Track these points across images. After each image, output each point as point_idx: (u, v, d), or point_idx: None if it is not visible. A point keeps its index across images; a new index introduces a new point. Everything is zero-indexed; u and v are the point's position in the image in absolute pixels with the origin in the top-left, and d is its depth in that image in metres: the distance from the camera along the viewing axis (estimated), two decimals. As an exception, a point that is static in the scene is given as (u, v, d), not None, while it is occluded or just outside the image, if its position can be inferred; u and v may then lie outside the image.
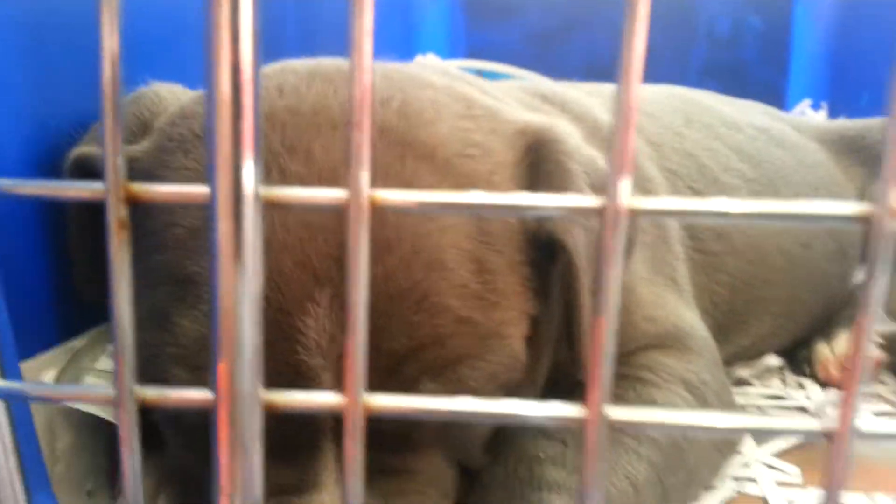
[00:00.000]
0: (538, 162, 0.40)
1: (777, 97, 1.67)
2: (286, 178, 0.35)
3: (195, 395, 0.22)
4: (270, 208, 0.22)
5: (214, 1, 0.19)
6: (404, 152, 0.37)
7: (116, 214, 0.21)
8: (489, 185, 0.38)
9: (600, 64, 1.60)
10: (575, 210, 0.20)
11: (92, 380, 0.44)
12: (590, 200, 0.19)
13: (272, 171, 0.35)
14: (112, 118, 0.20)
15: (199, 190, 0.21)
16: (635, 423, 0.20)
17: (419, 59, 1.60)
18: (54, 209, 0.45)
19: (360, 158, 0.20)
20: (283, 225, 0.34)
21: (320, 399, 0.22)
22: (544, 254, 0.39)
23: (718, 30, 1.64)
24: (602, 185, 0.43)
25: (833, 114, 1.42)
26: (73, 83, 0.46)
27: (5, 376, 0.25)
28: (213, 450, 0.21)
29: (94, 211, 0.43)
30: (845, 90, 1.54)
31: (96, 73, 0.20)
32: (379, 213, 0.35)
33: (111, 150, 0.21)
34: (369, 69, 0.19)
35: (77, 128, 0.46)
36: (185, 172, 0.38)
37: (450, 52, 1.69)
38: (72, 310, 0.45)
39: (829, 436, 0.19)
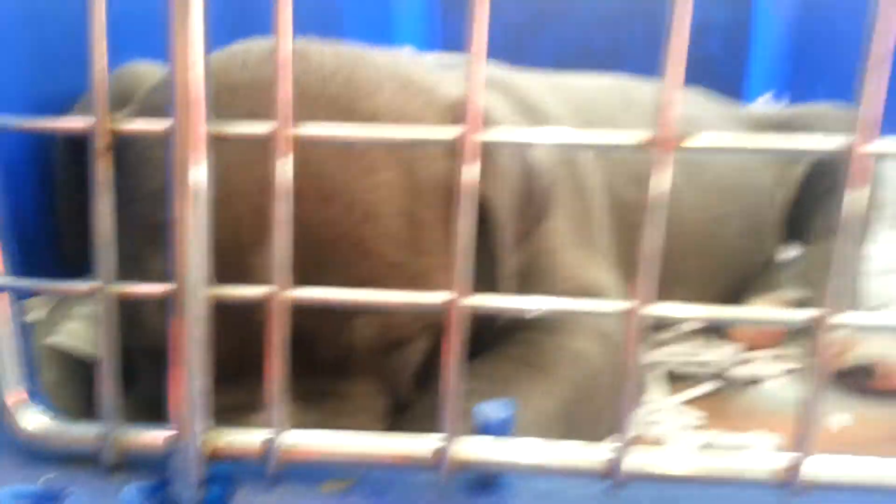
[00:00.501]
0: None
1: (739, 90, 1.75)
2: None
3: (157, 288, 0.28)
4: (220, 146, 0.28)
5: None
6: (347, 119, 0.42)
7: (103, 140, 0.27)
8: (421, 154, 0.43)
9: (571, 55, 1.67)
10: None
11: (72, 322, 0.50)
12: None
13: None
14: (100, 61, 0.27)
15: (163, 125, 0.27)
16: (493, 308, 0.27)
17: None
18: (47, 176, 0.50)
19: (285, 100, 0.26)
20: (241, 180, 0.39)
21: (255, 291, 0.28)
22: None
23: (684, 24, 1.70)
24: (521, 154, 0.49)
25: (793, 103, 1.49)
26: (67, 57, 0.52)
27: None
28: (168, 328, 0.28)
29: (81, 169, 0.49)
30: (804, 82, 1.61)
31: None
32: (319, 166, 0.41)
33: (99, 88, 0.27)
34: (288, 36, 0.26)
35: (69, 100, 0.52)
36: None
37: (426, 44, 1.74)
38: (57, 263, 0.51)
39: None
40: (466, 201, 0.25)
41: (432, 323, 0.44)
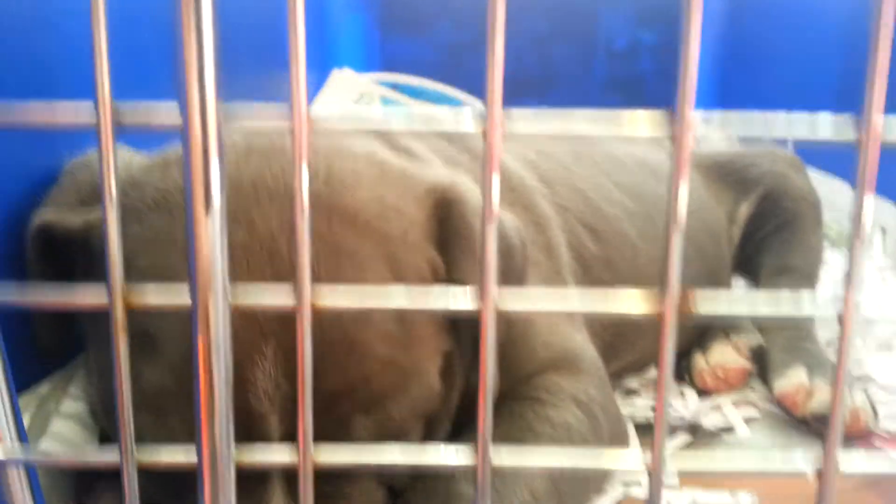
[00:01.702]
0: (446, 218, 0.47)
1: (672, 108, 1.80)
2: (231, 247, 0.41)
3: (182, 458, 0.28)
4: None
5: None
6: (331, 217, 0.43)
7: (118, 320, 0.27)
8: (404, 243, 0.45)
9: (511, 76, 1.68)
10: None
11: (59, 423, 0.48)
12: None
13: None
14: (112, 221, 0.26)
15: (183, 301, 0.27)
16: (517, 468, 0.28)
17: (335, 72, 1.65)
18: (15, 263, 0.49)
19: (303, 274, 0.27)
20: None
21: (279, 458, 0.29)
22: None
23: (616, 45, 1.75)
24: (503, 233, 0.51)
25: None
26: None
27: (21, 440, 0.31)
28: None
29: (54, 267, 0.48)
30: (733, 100, 1.68)
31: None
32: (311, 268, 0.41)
33: (113, 265, 0.27)
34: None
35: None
36: (140, 240, 0.43)
37: (365, 65, 1.74)
38: (33, 357, 0.50)
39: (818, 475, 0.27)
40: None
41: (423, 414, 0.45)
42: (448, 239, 0.47)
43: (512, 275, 0.50)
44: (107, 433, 0.50)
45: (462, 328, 0.48)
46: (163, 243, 0.42)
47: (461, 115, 0.27)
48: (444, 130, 0.27)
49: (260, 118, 0.27)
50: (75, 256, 0.48)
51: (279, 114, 0.26)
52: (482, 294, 0.26)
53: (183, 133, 0.25)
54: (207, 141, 0.26)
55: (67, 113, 0.27)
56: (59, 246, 0.48)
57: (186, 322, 0.41)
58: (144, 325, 0.41)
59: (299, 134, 0.26)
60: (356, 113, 0.27)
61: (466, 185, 0.50)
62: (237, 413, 0.40)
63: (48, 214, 0.48)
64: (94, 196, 0.49)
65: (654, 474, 0.26)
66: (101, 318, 0.46)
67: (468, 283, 0.46)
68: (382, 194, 0.46)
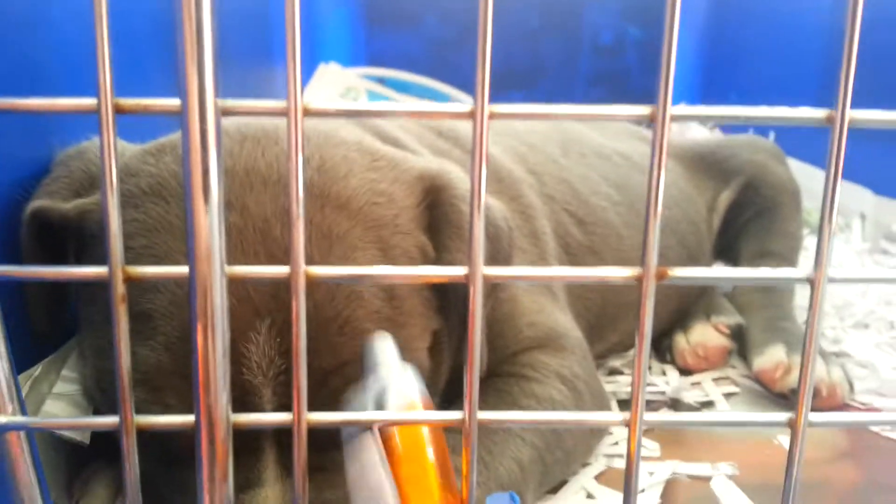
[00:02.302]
0: (435, 204, 0.49)
1: (655, 100, 1.82)
2: (226, 229, 0.42)
3: (180, 419, 0.30)
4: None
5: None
6: (324, 203, 0.44)
7: (117, 290, 0.28)
8: (395, 228, 0.46)
9: (500, 70, 1.70)
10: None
11: (51, 404, 0.49)
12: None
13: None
14: (112, 202, 0.28)
15: (180, 270, 0.28)
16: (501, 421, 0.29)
17: (322, 67, 1.66)
18: (8, 253, 0.50)
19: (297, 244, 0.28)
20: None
21: (274, 417, 0.30)
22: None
23: (602, 39, 1.77)
24: (490, 218, 0.52)
25: (704, 116, 1.56)
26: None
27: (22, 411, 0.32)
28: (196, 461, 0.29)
29: (48, 252, 0.49)
30: (715, 93, 1.70)
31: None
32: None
33: (113, 233, 0.28)
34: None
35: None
36: (136, 224, 0.44)
37: (351, 60, 1.75)
38: (27, 341, 0.51)
39: (790, 424, 0.29)
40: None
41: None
42: (437, 224, 0.48)
43: (499, 256, 0.51)
44: (100, 412, 0.51)
45: (450, 308, 0.49)
46: (158, 228, 0.43)
47: (452, 105, 0.28)
48: (436, 118, 0.28)
49: (256, 109, 0.28)
50: (68, 243, 0.49)
51: (275, 105, 0.27)
52: (470, 262, 0.28)
53: (182, 119, 0.27)
54: (206, 128, 0.27)
55: (69, 103, 0.28)
56: (52, 232, 0.49)
57: (180, 301, 0.42)
58: (139, 305, 0.42)
59: (294, 124, 0.27)
60: (351, 105, 0.28)
61: (455, 173, 0.51)
62: (232, 386, 0.41)
63: (42, 201, 0.49)
64: (87, 185, 0.50)
65: (633, 428, 0.27)
66: (95, 298, 0.47)
67: (457, 265, 0.47)
68: (373, 181, 0.47)
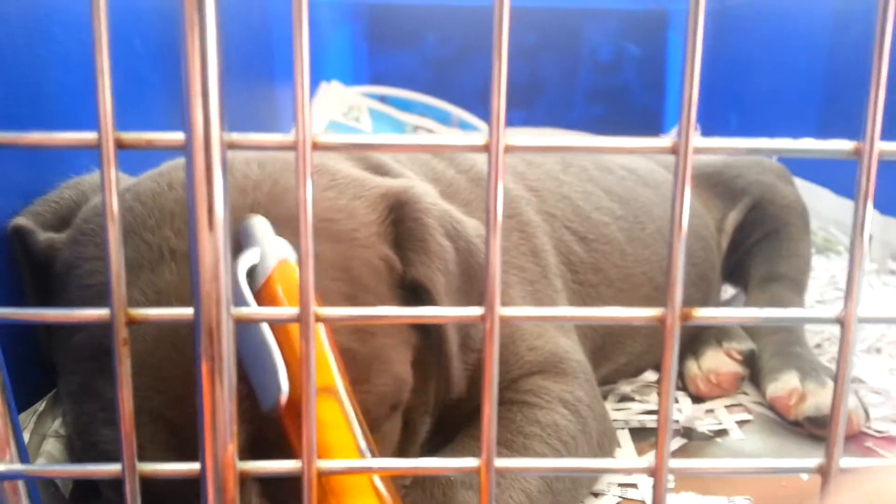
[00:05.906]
0: (400, 219, 0.48)
1: (656, 119, 1.82)
2: (175, 258, 0.41)
3: (185, 467, 0.28)
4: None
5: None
6: (278, 225, 0.42)
7: (119, 334, 0.27)
8: (353, 241, 0.45)
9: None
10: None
11: (53, 443, 0.48)
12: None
13: (164, 254, 0.41)
14: (114, 240, 0.27)
15: (185, 311, 0.27)
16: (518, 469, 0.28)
17: (324, 85, 1.66)
18: (11, 280, 0.49)
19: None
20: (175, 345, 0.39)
21: (283, 466, 0.29)
22: (413, 294, 0.46)
23: (601, 57, 1.77)
24: (456, 234, 0.51)
25: (705, 134, 1.56)
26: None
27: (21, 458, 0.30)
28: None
29: (48, 296, 0.48)
30: (716, 112, 1.69)
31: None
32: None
33: (115, 274, 0.27)
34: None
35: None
36: (97, 262, 0.43)
37: (353, 78, 1.75)
38: (33, 375, 0.50)
39: (821, 471, 0.28)
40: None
41: (394, 405, 0.45)
42: (402, 238, 0.47)
43: (472, 271, 0.50)
44: (79, 458, 0.50)
45: (430, 331, 0.48)
46: (137, 265, 0.42)
47: (467, 136, 0.27)
48: (450, 151, 0.27)
49: (263, 144, 0.27)
50: (38, 272, 0.48)
51: (283, 140, 0.26)
52: (487, 302, 0.27)
53: (186, 154, 0.26)
54: (211, 163, 0.26)
55: (69, 138, 0.27)
56: (29, 248, 0.49)
57: (152, 338, 0.40)
58: (105, 345, 0.40)
59: (303, 158, 0.26)
60: (360, 138, 0.27)
61: (421, 188, 0.50)
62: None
63: (23, 220, 0.49)
64: (72, 213, 0.49)
65: (659, 476, 0.26)
66: (64, 344, 0.45)
67: (424, 279, 0.46)
68: (330, 199, 0.46)
